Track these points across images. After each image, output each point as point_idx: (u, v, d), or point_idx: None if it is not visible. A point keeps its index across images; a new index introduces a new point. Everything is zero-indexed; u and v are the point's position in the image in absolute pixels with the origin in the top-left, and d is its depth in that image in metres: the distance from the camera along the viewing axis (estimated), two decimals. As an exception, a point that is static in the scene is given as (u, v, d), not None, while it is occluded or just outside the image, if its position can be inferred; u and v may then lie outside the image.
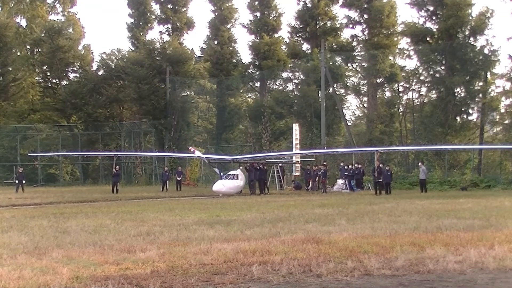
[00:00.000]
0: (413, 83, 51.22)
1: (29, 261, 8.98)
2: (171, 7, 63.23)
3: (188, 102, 60.01)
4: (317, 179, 38.47)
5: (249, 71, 60.13)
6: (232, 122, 58.15)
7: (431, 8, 47.17)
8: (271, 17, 58.74)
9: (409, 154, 49.47)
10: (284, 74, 58.38)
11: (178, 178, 41.06)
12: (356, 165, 38.56)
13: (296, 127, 43.38)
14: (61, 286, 7.34)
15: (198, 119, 63.87)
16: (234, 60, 59.54)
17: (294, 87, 57.82)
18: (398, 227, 13.13)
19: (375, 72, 49.82)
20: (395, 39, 52.13)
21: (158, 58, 57.61)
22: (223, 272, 8.17)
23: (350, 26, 54.46)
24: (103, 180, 54.97)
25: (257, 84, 61.40)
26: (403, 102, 52.86)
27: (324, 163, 38.84)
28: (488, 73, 46.01)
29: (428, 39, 47.37)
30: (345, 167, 38.76)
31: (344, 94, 55.21)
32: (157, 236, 11.97)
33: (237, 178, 35.66)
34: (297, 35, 57.58)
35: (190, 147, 42.46)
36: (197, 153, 40.23)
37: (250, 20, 59.04)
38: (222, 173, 36.31)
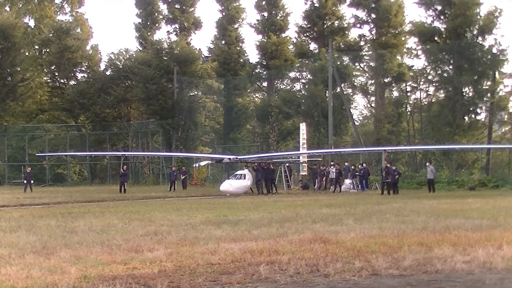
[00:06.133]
0: (421, 83, 51.07)
1: (37, 261, 9.01)
2: (179, 7, 63.29)
3: (195, 102, 60.03)
4: (324, 179, 38.55)
5: (257, 70, 60.08)
6: (239, 122, 58.12)
7: (439, 8, 46.95)
8: (278, 17, 58.67)
9: (416, 154, 49.31)
10: (292, 74, 58.32)
11: (182, 177, 41.70)
12: (363, 164, 38.60)
13: (303, 126, 43.31)
14: (69, 286, 7.37)
15: (206, 119, 63.91)
16: (241, 60, 59.47)
17: (301, 87, 57.74)
18: (406, 227, 13.11)
19: (383, 71, 49.65)
20: (403, 38, 51.87)
21: (165, 58, 57.64)
22: (230, 271, 8.18)
23: (358, 25, 54.29)
24: (111, 180, 55.13)
25: (265, 84, 61.39)
26: (410, 102, 52.68)
27: (334, 163, 38.78)
28: (497, 73, 45.77)
29: (436, 38, 47.17)
30: (351, 167, 38.86)
31: (351, 94, 55.09)
32: (164, 236, 11.99)
33: (244, 178, 35.70)
34: (305, 34, 57.48)
35: (195, 165, 42.69)
36: (204, 163, 40.59)
37: (257, 20, 59.00)
38: (235, 158, 36.59)
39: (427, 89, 50.81)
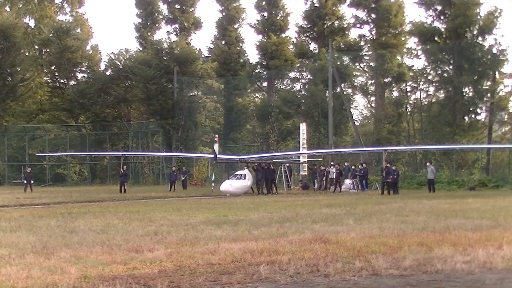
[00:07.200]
0: (421, 83, 51.14)
1: (37, 261, 9.00)
2: (179, 7, 63.30)
3: (195, 102, 60.06)
4: (324, 179, 38.56)
5: (257, 71, 60.10)
6: (239, 122, 58.12)
7: (439, 8, 46.95)
8: (278, 17, 58.68)
9: (417, 154, 49.32)
10: (292, 74, 58.38)
11: (182, 178, 41.78)
12: (363, 164, 38.64)
13: (303, 127, 43.30)
14: (69, 286, 7.36)
15: (206, 119, 63.94)
16: (241, 60, 59.48)
17: (301, 87, 57.77)
18: (406, 227, 13.09)
19: (383, 71, 49.65)
20: (403, 38, 51.86)
21: (165, 58, 57.67)
22: (230, 272, 8.17)
23: (358, 25, 54.30)
24: (111, 180, 55.17)
25: (265, 84, 61.39)
26: (410, 102, 52.74)
27: (334, 163, 38.80)
28: (497, 73, 45.81)
29: (436, 38, 47.18)
30: (351, 167, 38.89)
31: (351, 94, 55.13)
32: (164, 236, 11.98)
33: (244, 178, 35.70)
34: (305, 34, 57.49)
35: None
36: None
37: (257, 20, 59.04)
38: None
39: (427, 89, 50.94)
